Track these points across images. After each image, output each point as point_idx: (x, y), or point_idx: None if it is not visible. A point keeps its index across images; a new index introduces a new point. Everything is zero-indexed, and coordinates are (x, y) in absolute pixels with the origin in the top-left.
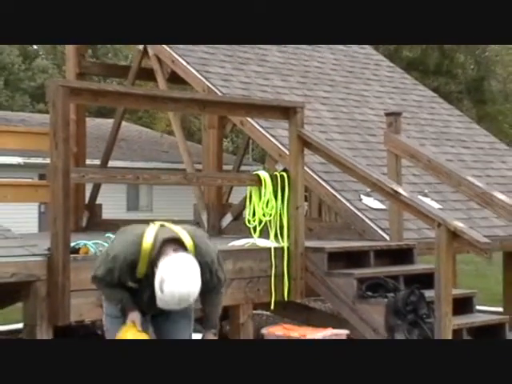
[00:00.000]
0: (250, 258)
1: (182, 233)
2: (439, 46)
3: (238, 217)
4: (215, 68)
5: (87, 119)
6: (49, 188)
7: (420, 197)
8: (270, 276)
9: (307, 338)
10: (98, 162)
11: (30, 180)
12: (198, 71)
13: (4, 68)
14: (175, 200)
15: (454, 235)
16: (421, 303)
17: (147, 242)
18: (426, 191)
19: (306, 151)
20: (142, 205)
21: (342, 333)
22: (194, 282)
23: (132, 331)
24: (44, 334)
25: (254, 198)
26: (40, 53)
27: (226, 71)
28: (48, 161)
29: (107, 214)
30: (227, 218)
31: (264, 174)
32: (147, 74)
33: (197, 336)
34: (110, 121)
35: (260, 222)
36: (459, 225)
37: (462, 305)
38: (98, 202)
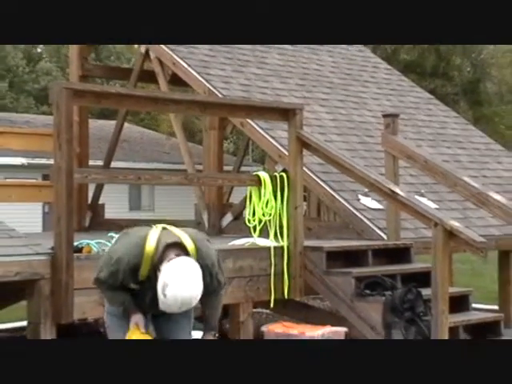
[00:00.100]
0: (249, 256)
1: (184, 236)
2: (436, 49)
3: (239, 216)
4: (216, 70)
5: (90, 121)
6: (52, 188)
7: (417, 197)
8: (270, 275)
9: (306, 335)
10: (100, 162)
11: (33, 180)
12: (198, 73)
13: (9, 70)
14: (176, 200)
15: (451, 234)
16: (418, 301)
17: (150, 245)
18: (423, 191)
19: (305, 152)
20: (143, 205)
21: (340, 330)
22: (196, 287)
23: (136, 334)
24: (48, 331)
25: (254, 198)
26: (44, 56)
27: (226, 73)
28: (52, 161)
29: (110, 213)
30: (227, 218)
31: (264, 175)
32: (149, 77)
33: (196, 334)
34: (113, 122)
35: (260, 221)
36: (455, 224)
37: (459, 303)
38: (100, 201)
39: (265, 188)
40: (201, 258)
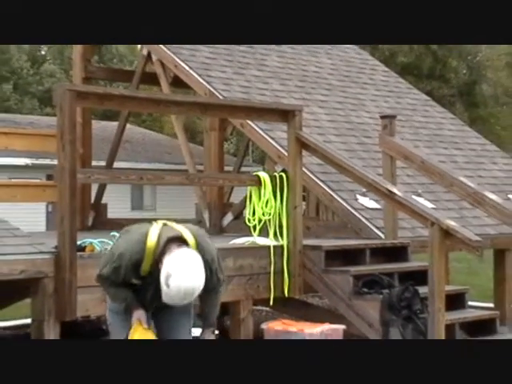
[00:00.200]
0: (250, 255)
1: (185, 231)
2: (433, 52)
3: (239, 216)
4: (216, 72)
5: (93, 122)
6: (56, 188)
7: (414, 197)
8: (270, 273)
9: (305, 332)
10: (103, 163)
11: (37, 180)
12: (199, 75)
13: (13, 73)
14: (178, 200)
15: (447, 234)
16: (415, 299)
17: (151, 240)
18: (420, 191)
19: (304, 153)
20: (145, 204)
21: (338, 328)
22: (198, 277)
23: (139, 330)
24: (51, 329)
25: (254, 198)
26: (48, 58)
27: (226, 75)
28: (55, 162)
29: (112, 213)
30: (228, 217)
31: (263, 175)
32: (151, 79)
33: (196, 331)
34: (115, 123)
35: (260, 220)
36: (452, 224)
37: (455, 301)
38: (103, 201)
39: (264, 188)
40: (201, 253)
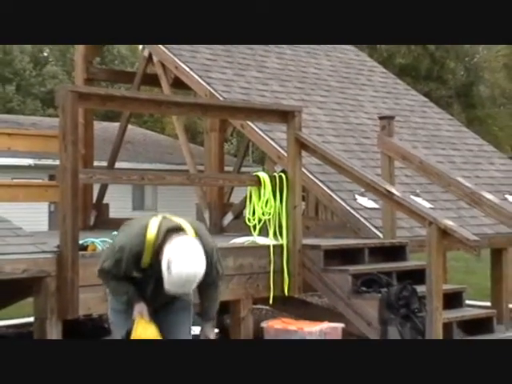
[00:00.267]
0: (250, 254)
1: (184, 223)
2: (430, 53)
3: (239, 216)
4: (217, 74)
5: (95, 122)
6: (58, 188)
7: (412, 197)
8: (269, 272)
9: (305, 330)
10: (105, 163)
11: (40, 180)
12: (200, 77)
13: (16, 74)
14: (178, 200)
15: (445, 233)
16: (413, 298)
17: (151, 233)
18: (418, 191)
19: (304, 153)
20: (147, 204)
21: (337, 326)
22: (199, 262)
23: (141, 323)
24: (54, 327)
25: (254, 198)
26: (50, 59)
27: (227, 77)
28: (57, 162)
29: (114, 213)
30: (228, 217)
31: (263, 175)
32: (152, 80)
33: (196, 329)
34: (117, 124)
35: (259, 220)
36: (449, 223)
37: (452, 299)
38: (105, 201)
39: (264, 188)
40: (201, 244)
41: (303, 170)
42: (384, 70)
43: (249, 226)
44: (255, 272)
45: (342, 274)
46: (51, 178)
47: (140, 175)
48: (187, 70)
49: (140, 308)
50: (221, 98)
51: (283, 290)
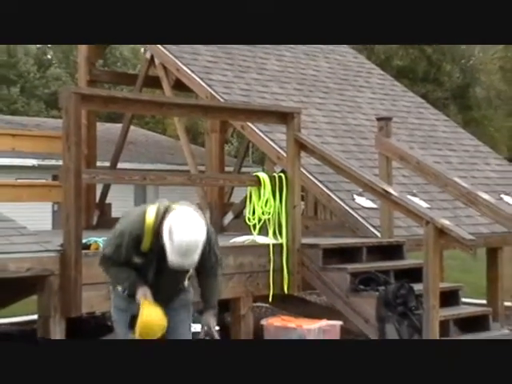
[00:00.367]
0: (250, 253)
1: (182, 204)
2: (427, 56)
3: (239, 215)
4: (217, 76)
5: (98, 124)
6: (61, 188)
7: (409, 196)
8: (269, 271)
9: (304, 328)
10: (107, 163)
11: (43, 181)
12: (201, 79)
13: (20, 76)
14: (179, 199)
15: (441, 232)
16: (410, 296)
17: (150, 218)
18: (415, 191)
19: (303, 154)
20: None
21: (336, 324)
22: (200, 230)
23: (147, 305)
24: (57, 324)
25: (254, 198)
26: (54, 62)
27: (227, 79)
28: (61, 163)
29: (116, 212)
30: (229, 216)
31: (263, 175)
32: (154, 82)
33: (197, 326)
34: (119, 125)
35: (259, 220)
36: (446, 223)
37: (449, 297)
38: (107, 201)
39: (264, 188)
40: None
41: (302, 170)
42: (382, 72)
43: (249, 226)
44: (255, 270)
45: (341, 272)
46: (55, 178)
47: (142, 175)
48: (188, 72)
49: (143, 291)
50: (221, 100)
51: (283, 289)
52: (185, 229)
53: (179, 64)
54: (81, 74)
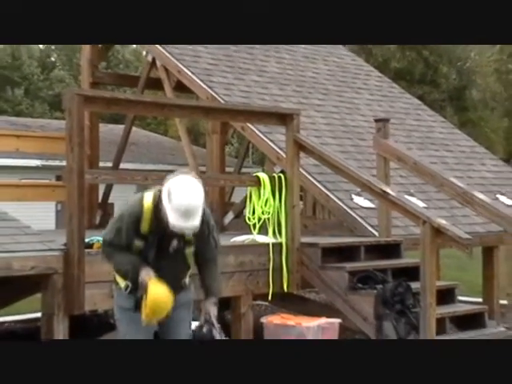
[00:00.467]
0: (250, 252)
1: None
2: (424, 58)
3: (239, 215)
4: (218, 78)
5: (100, 125)
6: (65, 188)
7: (406, 196)
8: (269, 269)
9: (303, 325)
10: (110, 164)
11: (47, 181)
12: (202, 81)
13: (25, 78)
14: None
15: (438, 232)
16: (407, 294)
17: (148, 201)
18: (412, 191)
19: (302, 154)
20: None
21: (334, 321)
22: (199, 192)
23: (153, 283)
24: (60, 322)
25: (254, 198)
26: (57, 64)
27: (228, 81)
28: (64, 163)
29: None
30: (229, 216)
31: (263, 176)
32: (155, 84)
33: (196, 324)
34: (121, 126)
35: (259, 219)
36: (442, 222)
37: (445, 295)
38: (110, 201)
39: (264, 188)
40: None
41: (301, 170)
42: (379, 74)
43: (249, 225)
44: (255, 269)
45: (339, 271)
46: (58, 178)
47: (144, 176)
48: (189, 74)
49: (147, 271)
50: (222, 101)
51: (282, 287)
52: (184, 190)
53: (180, 66)
54: (84, 76)
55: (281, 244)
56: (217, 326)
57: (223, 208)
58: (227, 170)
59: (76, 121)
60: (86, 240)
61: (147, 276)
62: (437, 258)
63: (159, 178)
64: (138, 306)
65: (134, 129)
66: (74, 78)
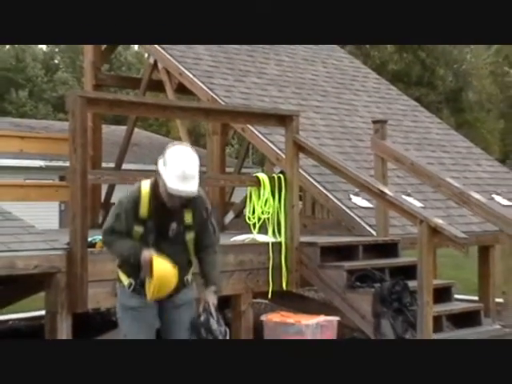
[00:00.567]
0: (250, 251)
1: None
2: (421, 60)
3: (239, 214)
4: (218, 80)
5: (103, 126)
6: (68, 188)
7: (404, 196)
8: (268, 268)
9: (302, 323)
10: (112, 164)
11: (51, 181)
12: (203, 83)
13: (28, 80)
14: None
15: (435, 231)
16: (404, 292)
17: (145, 188)
18: (410, 191)
19: (301, 155)
20: None
21: (333, 319)
22: (194, 160)
23: (157, 260)
24: (64, 320)
25: (254, 198)
26: (61, 66)
27: (228, 83)
28: (67, 164)
29: None
30: (229, 216)
31: (263, 176)
32: (157, 86)
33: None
34: (124, 128)
35: (259, 219)
36: (439, 222)
37: (442, 294)
38: (112, 201)
39: (264, 188)
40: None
41: (300, 171)
42: (377, 76)
43: (249, 225)
44: (255, 268)
45: (338, 269)
46: (61, 178)
47: (146, 176)
48: (190, 76)
49: (148, 251)
50: (222, 103)
51: (282, 285)
52: (179, 156)
53: (182, 68)
54: (87, 78)
55: (280, 243)
56: (215, 315)
57: (223, 208)
58: (227, 170)
59: (79, 122)
60: (89, 239)
61: (149, 254)
62: (434, 257)
63: None
64: (142, 285)
65: (136, 130)
66: (78, 79)
